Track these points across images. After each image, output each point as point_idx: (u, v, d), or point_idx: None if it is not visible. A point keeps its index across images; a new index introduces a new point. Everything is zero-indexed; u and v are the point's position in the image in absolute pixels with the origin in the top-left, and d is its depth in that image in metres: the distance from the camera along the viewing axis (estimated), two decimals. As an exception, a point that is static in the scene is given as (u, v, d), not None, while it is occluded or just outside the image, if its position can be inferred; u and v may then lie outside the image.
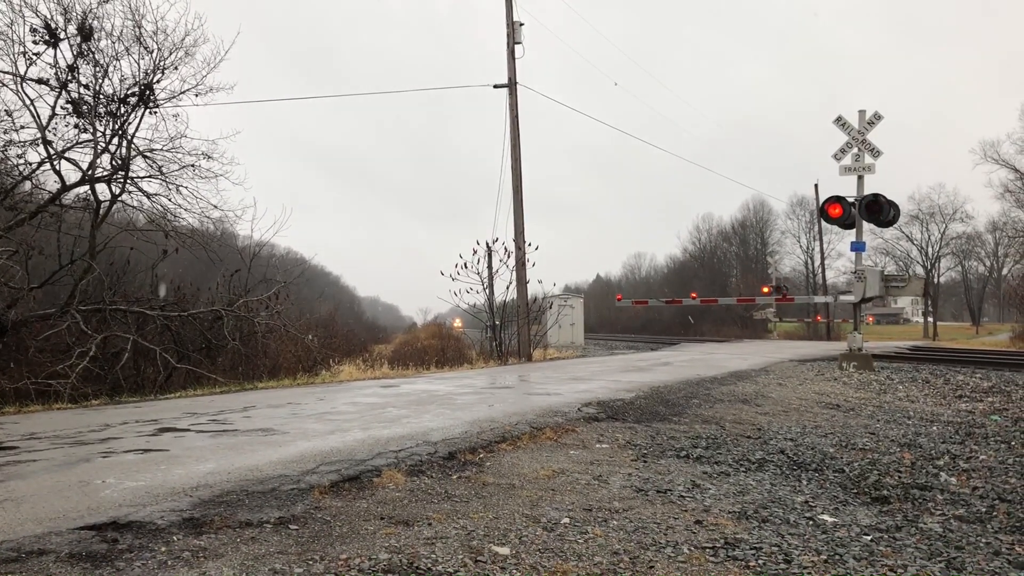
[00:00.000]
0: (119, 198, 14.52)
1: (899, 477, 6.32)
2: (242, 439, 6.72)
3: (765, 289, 27.58)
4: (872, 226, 18.17)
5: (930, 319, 62.35)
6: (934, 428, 8.92)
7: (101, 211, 14.34)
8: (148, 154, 14.60)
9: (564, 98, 69.20)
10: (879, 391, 12.40)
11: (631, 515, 4.82)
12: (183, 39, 14.25)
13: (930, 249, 63.19)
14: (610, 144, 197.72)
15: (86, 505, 4.38)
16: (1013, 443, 7.87)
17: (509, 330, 23.45)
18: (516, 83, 23.01)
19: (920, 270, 61.37)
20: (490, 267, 23.83)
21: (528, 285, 23.28)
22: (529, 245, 22.86)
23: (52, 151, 13.62)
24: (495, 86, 23.18)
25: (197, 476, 5.12)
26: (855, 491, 5.88)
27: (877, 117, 16.35)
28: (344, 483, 5.19)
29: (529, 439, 7.11)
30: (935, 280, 63.05)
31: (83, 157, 14.09)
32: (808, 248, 67.39)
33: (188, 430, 7.36)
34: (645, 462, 6.45)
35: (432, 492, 5.15)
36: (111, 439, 6.82)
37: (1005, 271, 68.08)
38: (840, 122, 16.44)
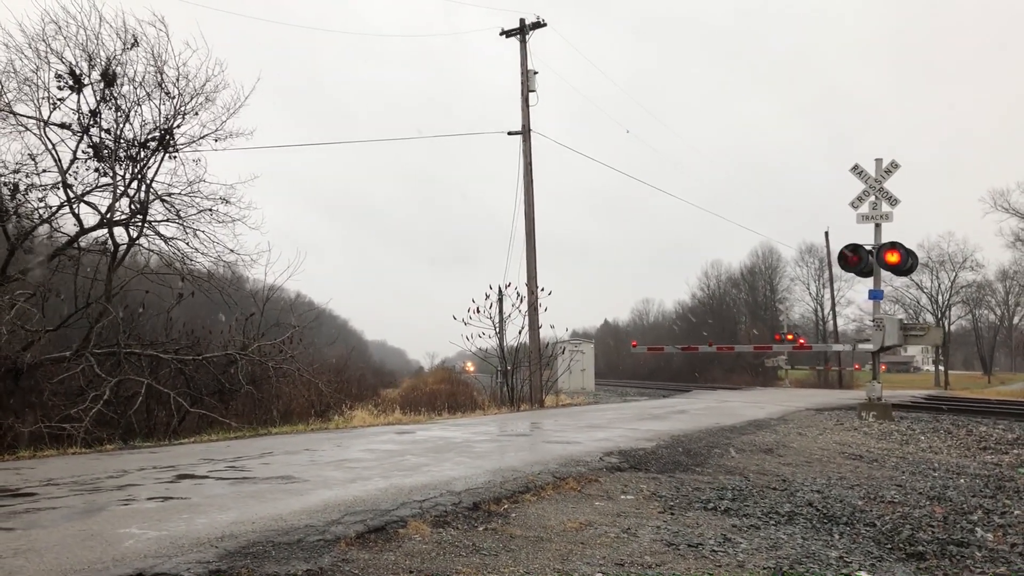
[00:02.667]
0: (136, 242, 14.61)
1: (933, 532, 6.17)
2: (263, 487, 6.63)
3: (789, 336, 27.43)
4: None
5: (941, 368, 61.94)
6: (962, 481, 8.75)
7: (118, 254, 14.40)
8: (166, 198, 14.71)
9: (564, 136, 69.39)
10: (901, 442, 12.22)
11: (664, 571, 4.71)
12: (204, 85, 14.44)
13: (940, 297, 63.01)
14: (616, 187, 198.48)
15: (111, 556, 4.29)
16: (1046, 498, 7.71)
17: (520, 375, 23.31)
18: (530, 130, 23.21)
19: (930, 318, 61.10)
20: (501, 312, 23.79)
21: (540, 330, 23.24)
22: (542, 290, 22.88)
23: (72, 194, 13.74)
24: (509, 133, 23.39)
25: (221, 526, 5.02)
26: (889, 546, 5.74)
27: (894, 166, 16.36)
28: (370, 534, 5.09)
29: (553, 489, 7.00)
30: (946, 328, 62.70)
31: (102, 200, 14.23)
32: (818, 295, 67.22)
33: (207, 477, 7.27)
34: (672, 514, 6.33)
35: (459, 544, 5.04)
36: (130, 486, 6.73)
37: (1016, 320, 67.81)
38: (857, 170, 16.46)
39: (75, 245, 14.01)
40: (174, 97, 14.26)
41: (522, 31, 24.02)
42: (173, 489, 6.55)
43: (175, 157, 14.65)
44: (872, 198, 16.39)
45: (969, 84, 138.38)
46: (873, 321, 16.22)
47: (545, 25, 24.11)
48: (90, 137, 13.87)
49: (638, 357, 65.86)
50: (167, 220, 14.84)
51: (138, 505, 5.79)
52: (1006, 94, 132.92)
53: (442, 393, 23.61)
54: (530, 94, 23.59)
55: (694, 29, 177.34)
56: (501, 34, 24.45)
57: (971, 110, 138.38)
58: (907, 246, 15.82)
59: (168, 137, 14.40)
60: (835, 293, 53.19)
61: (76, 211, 13.85)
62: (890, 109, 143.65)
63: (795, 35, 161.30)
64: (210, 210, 14.97)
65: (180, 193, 14.76)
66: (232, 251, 15.44)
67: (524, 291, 22.72)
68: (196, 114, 14.58)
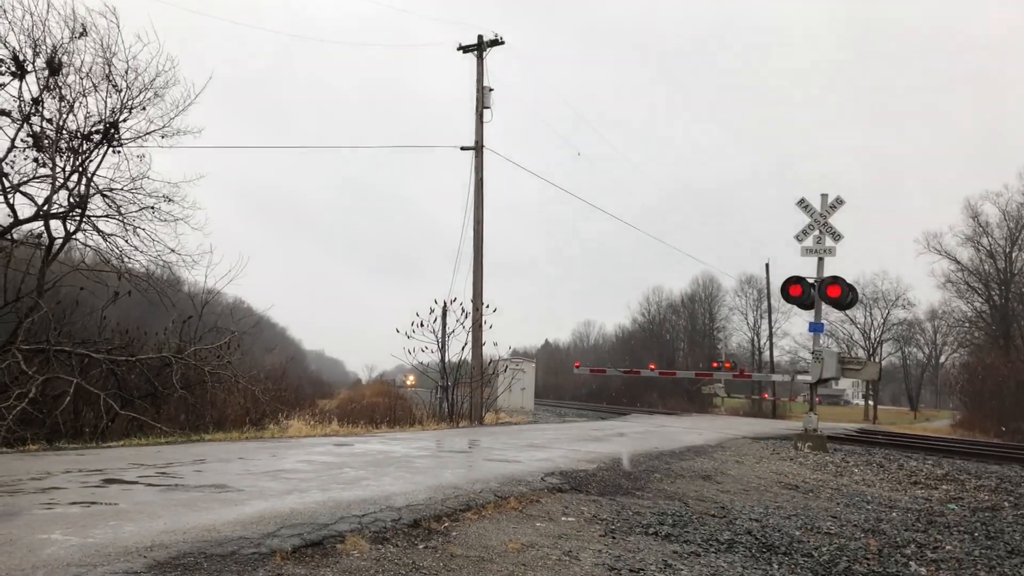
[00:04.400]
0: (73, 236, 14.14)
1: (869, 565, 6.24)
2: (195, 495, 6.40)
3: (728, 364, 27.80)
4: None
5: (871, 402, 63.50)
6: (894, 514, 8.89)
7: (53, 248, 13.91)
8: (108, 193, 14.31)
9: (511, 151, 68.27)
10: (835, 473, 12.42)
11: (607, 595, 4.65)
12: (153, 80, 14.11)
13: (872, 333, 64.72)
14: (561, 205, 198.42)
15: (30, 563, 4.06)
16: (976, 534, 7.87)
17: (460, 391, 23.14)
18: (483, 146, 23.21)
19: (862, 353, 62.64)
20: (444, 327, 23.59)
21: (484, 347, 23.12)
22: (487, 307, 22.80)
23: (7, 184, 13.24)
24: (462, 148, 23.35)
25: (151, 534, 4.81)
26: (827, 578, 5.78)
27: (839, 202, 16.75)
28: (306, 548, 4.93)
29: (494, 508, 6.90)
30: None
31: (39, 192, 13.76)
32: (755, 326, 68.51)
33: (136, 482, 6.99)
34: (614, 538, 6.29)
35: (399, 562, 4.92)
36: (53, 489, 6.43)
37: (943, 359, 69.75)
38: (803, 205, 16.81)
39: (8, 236, 13.50)
40: (122, 90, 13.91)
41: (480, 48, 24.04)
42: (100, 494, 6.28)
43: (119, 152, 14.27)
44: (816, 232, 16.74)
45: (915, 119, 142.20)
46: (812, 353, 16.50)
47: (503, 43, 24.15)
48: (30, 126, 13.42)
49: (577, 379, 66.06)
50: (107, 216, 14.44)
51: (62, 510, 5.53)
52: (951, 131, 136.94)
53: (380, 406, 23.31)
54: (484, 110, 23.61)
55: (646, 51, 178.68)
56: (459, 49, 24.44)
57: (916, 145, 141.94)
58: (848, 281, 16.19)
59: (113, 131, 14.01)
60: (772, 325, 54.17)
61: (11, 201, 13.36)
62: (835, 139, 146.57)
63: (743, 60, 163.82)
64: (152, 208, 14.62)
65: (122, 189, 14.40)
66: (173, 251, 15.09)
67: (469, 307, 22.60)
68: (144, 109, 14.25)
